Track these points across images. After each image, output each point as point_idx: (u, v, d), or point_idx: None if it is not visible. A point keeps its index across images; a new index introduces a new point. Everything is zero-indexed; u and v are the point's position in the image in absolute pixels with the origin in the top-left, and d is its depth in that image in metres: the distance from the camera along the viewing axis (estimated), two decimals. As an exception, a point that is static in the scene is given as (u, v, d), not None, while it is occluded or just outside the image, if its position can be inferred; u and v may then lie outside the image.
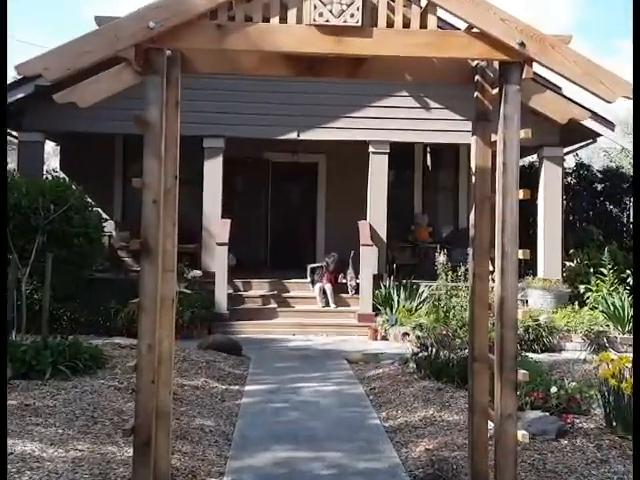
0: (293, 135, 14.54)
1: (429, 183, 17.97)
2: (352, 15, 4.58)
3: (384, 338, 12.99)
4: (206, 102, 13.91)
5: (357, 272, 14.19)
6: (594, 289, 13.80)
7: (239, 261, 15.18)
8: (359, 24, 4.58)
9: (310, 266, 14.91)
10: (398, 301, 13.60)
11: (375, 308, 13.68)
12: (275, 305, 14.31)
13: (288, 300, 14.51)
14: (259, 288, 14.76)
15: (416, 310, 13.33)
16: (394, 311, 13.37)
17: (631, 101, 4.74)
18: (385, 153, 14.51)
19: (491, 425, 5.10)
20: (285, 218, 17.54)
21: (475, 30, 4.67)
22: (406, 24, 4.70)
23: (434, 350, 9.61)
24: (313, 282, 14.65)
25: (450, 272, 12.52)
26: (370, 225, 14.28)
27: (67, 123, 13.43)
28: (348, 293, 14.58)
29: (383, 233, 14.43)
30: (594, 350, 11.82)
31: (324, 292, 14.42)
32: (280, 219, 17.45)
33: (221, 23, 4.58)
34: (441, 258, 12.78)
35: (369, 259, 13.78)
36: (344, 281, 14.76)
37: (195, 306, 12.97)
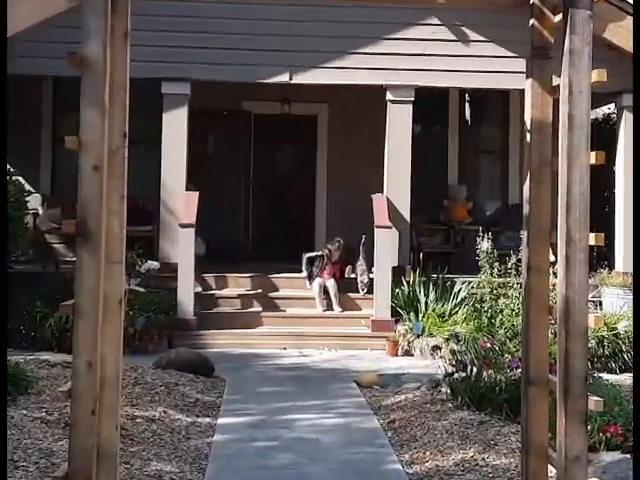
0: (283, 78, 14.48)
1: (468, 143, 17.94)
2: None
3: (407, 353, 13.00)
4: (165, 33, 13.85)
5: (370, 264, 14.19)
6: (693, 286, 13.82)
7: (211, 249, 15.16)
8: None
9: (307, 255, 14.90)
10: (426, 303, 13.60)
11: (395, 312, 13.68)
12: (259, 308, 14.33)
13: (277, 302, 14.52)
14: (237, 285, 14.76)
15: (450, 315, 13.34)
16: (421, 317, 13.37)
17: None
18: (408, 102, 14.46)
19: (552, 471, 5.11)
20: (273, 190, 17.52)
21: None
22: None
23: (475, 369, 9.62)
24: (311, 277, 14.65)
25: (497, 263, 12.52)
26: (388, 200, 14.27)
27: (-24, 61, 13.41)
28: (358, 292, 14.58)
29: (406, 210, 14.42)
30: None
31: (326, 291, 14.41)
32: (266, 192, 17.43)
33: None
34: (484, 244, 12.77)
35: (387, 246, 13.77)
36: (352, 276, 14.76)
37: (151, 310, 12.96)
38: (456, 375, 9.77)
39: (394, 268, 13.95)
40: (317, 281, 14.47)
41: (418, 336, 12.99)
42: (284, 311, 14.36)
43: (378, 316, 13.73)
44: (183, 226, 13.59)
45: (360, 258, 14.62)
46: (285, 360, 12.60)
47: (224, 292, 14.60)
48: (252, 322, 14.00)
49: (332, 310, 14.34)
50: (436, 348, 12.48)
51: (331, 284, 14.41)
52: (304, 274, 14.80)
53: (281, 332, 13.69)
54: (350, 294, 14.58)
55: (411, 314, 13.47)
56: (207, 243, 15.02)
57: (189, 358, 11.38)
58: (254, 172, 17.38)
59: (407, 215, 14.43)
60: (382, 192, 14.46)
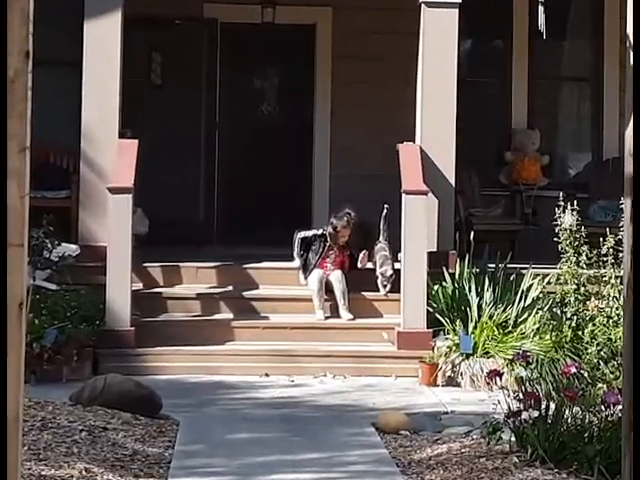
0: (265, -32, 14.56)
1: (543, 68, 17.95)
2: None
3: (451, 382, 13.04)
4: None
5: (396, 248, 14.21)
6: None
7: (156, 226, 15.18)
8: None
9: (300, 235, 14.89)
10: (479, 306, 13.62)
11: (433, 321, 13.71)
12: (229, 315, 14.37)
13: (255, 304, 14.55)
14: (196, 281, 14.80)
15: (516, 325, 13.37)
16: (471, 327, 13.40)
17: None
18: (454, 5, 14.46)
19: None
20: (250, 138, 17.53)
21: None
22: None
23: (553, 406, 9.66)
24: (306, 267, 14.66)
25: (586, 247, 12.55)
26: (422, 152, 14.27)
27: None
28: (378, 290, 14.60)
29: (449, 168, 14.43)
30: None
31: (329, 288, 14.43)
32: (239, 140, 17.45)
33: None
34: (567, 218, 12.80)
35: (420, 222, 13.78)
36: (369, 266, 14.79)
37: (67, 317, 12.97)
38: (525, 415, 9.80)
39: (431, 254, 13.98)
40: (316, 273, 14.48)
41: (467, 356, 13.03)
42: (266, 318, 14.39)
43: (408, 326, 13.77)
44: (115, 191, 13.57)
45: (380, 239, 14.67)
46: (267, 392, 12.63)
47: (176, 290, 14.64)
48: (218, 335, 14.02)
49: (338, 317, 14.37)
50: (494, 374, 12.51)
51: (337, 278, 14.43)
52: (296, 263, 14.81)
53: (261, 350, 13.76)
54: (366, 293, 14.64)
55: (457, 323, 13.50)
56: (151, 217, 15.04)
57: (124, 389, 11.39)
58: (222, 111, 17.40)
59: (451, 175, 14.44)
60: (413, 141, 14.48)
